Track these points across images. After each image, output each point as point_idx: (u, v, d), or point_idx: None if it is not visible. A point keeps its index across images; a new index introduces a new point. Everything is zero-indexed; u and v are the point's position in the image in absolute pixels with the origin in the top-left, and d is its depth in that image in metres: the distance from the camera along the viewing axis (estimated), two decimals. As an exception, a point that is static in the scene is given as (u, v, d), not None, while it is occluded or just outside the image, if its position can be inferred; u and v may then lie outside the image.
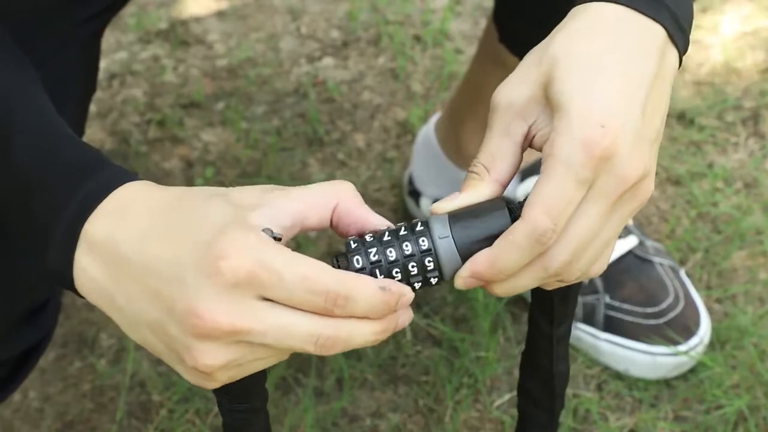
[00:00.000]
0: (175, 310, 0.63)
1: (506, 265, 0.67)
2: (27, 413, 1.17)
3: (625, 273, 1.20)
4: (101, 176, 0.67)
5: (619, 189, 0.67)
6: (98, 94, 1.43)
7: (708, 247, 1.29)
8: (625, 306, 1.19)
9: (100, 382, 1.19)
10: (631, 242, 1.21)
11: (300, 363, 1.19)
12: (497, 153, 0.69)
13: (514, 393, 1.18)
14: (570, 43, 0.68)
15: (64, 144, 0.69)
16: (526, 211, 0.66)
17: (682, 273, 1.22)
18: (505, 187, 0.69)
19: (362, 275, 0.65)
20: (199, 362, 0.63)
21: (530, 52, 0.70)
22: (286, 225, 0.65)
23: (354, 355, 1.20)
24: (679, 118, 1.42)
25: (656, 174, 1.37)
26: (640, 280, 1.20)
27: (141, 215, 0.65)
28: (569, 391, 1.17)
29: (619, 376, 1.19)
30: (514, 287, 0.68)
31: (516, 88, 0.69)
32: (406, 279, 0.67)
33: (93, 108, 1.42)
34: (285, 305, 0.63)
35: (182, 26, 1.53)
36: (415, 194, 1.29)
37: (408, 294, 0.66)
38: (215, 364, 0.63)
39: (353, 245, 0.67)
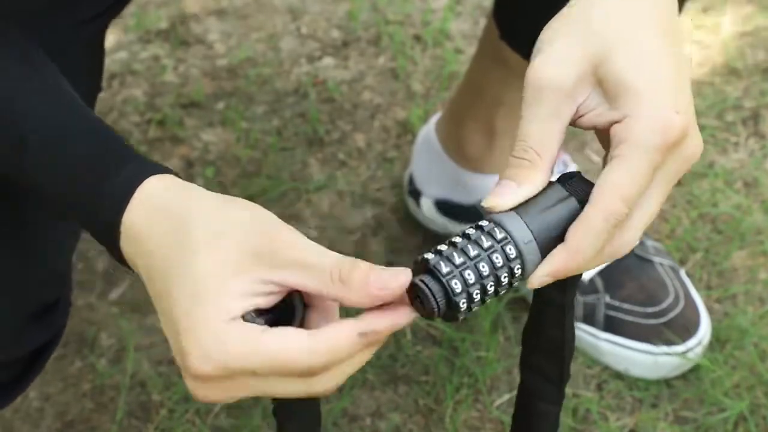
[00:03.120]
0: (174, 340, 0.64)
1: (584, 258, 0.66)
2: (27, 413, 1.17)
3: (625, 273, 1.20)
4: (110, 198, 0.67)
5: (683, 170, 0.67)
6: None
7: (708, 247, 1.29)
8: (626, 306, 1.19)
9: (100, 382, 1.19)
10: (631, 242, 1.21)
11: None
12: (547, 136, 0.67)
13: (515, 393, 1.17)
14: (616, 22, 0.67)
15: (72, 152, 0.70)
16: (601, 197, 0.65)
17: (683, 273, 1.22)
18: (552, 170, 0.68)
19: (336, 330, 0.62)
20: (188, 364, 0.63)
21: (557, 28, 0.68)
22: (262, 290, 0.64)
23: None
24: (680, 118, 1.41)
25: (656, 174, 1.37)
26: (640, 280, 1.20)
27: (148, 253, 0.66)
28: (569, 390, 1.17)
29: (619, 375, 1.19)
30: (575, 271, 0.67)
31: (562, 68, 0.67)
32: (495, 288, 0.65)
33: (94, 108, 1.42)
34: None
35: (182, 26, 1.53)
36: (416, 194, 1.29)
37: (401, 320, 0.64)
38: (207, 398, 0.65)
39: (441, 266, 0.63)
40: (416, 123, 1.39)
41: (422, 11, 1.54)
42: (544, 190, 0.67)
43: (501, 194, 0.66)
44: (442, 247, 0.64)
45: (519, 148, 0.67)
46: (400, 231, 1.30)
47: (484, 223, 0.66)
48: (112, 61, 1.48)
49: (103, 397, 1.18)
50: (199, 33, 1.52)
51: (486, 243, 0.64)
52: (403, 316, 0.64)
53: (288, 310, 0.65)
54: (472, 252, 0.64)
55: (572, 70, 0.67)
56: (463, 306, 0.64)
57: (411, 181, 1.30)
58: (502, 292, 0.66)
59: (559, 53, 0.67)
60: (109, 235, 0.67)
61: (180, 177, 0.68)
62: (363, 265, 0.62)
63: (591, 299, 1.19)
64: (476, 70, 1.22)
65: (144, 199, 0.66)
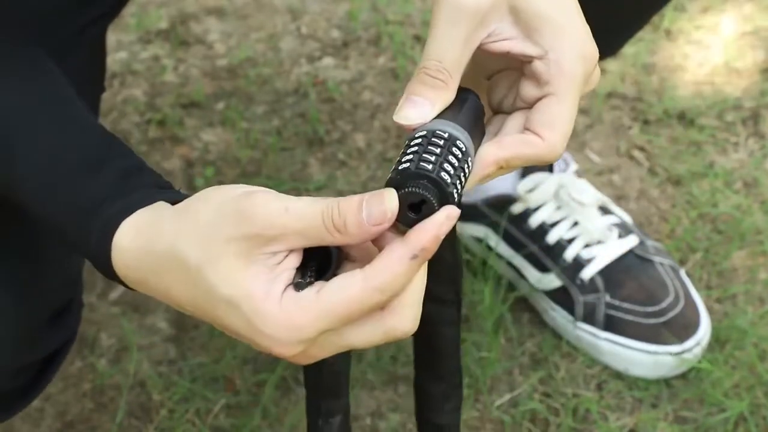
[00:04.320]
0: (252, 342, 0.65)
1: (514, 168, 0.69)
2: (27, 413, 1.17)
3: (625, 272, 1.20)
4: (97, 233, 0.68)
5: (590, 85, 0.70)
6: (98, 93, 1.43)
7: (708, 247, 1.29)
8: (626, 305, 1.19)
9: (100, 382, 1.19)
10: (631, 242, 1.21)
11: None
12: (460, 59, 0.68)
13: (515, 393, 1.18)
14: None
15: (64, 184, 0.70)
16: (547, 133, 0.67)
17: (682, 273, 1.22)
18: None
19: (387, 260, 0.63)
20: (276, 353, 0.65)
21: None
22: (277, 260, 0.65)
23: (354, 355, 1.20)
24: (679, 118, 1.41)
25: (656, 174, 1.37)
26: (640, 280, 1.20)
27: (162, 292, 0.67)
28: (569, 390, 1.17)
29: (619, 375, 1.19)
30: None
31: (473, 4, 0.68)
32: (463, 180, 0.67)
33: (93, 108, 1.42)
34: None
35: (182, 26, 1.53)
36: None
37: (443, 230, 0.64)
38: (313, 359, 0.66)
39: (424, 167, 0.65)
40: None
41: (422, 11, 1.54)
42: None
43: (416, 111, 0.68)
44: (407, 158, 0.66)
45: (433, 68, 0.68)
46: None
47: (421, 133, 0.67)
48: (112, 61, 1.48)
49: (103, 397, 1.18)
50: (199, 33, 1.52)
51: (439, 144, 0.66)
52: (444, 224, 0.64)
53: (325, 252, 0.66)
54: (436, 152, 0.66)
55: (485, 4, 0.68)
56: (455, 198, 0.66)
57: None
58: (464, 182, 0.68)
59: None
60: (111, 276, 0.69)
61: (150, 193, 0.69)
62: (351, 207, 0.63)
63: (591, 298, 1.19)
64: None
65: (123, 252, 0.68)
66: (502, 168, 0.69)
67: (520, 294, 1.23)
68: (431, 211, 0.64)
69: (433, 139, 0.66)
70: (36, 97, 0.73)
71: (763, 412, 1.16)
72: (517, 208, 1.23)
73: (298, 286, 0.64)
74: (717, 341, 1.20)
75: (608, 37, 1.11)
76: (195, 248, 0.64)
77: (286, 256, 0.64)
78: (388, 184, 0.65)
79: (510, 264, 1.24)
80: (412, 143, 0.67)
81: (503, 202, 1.23)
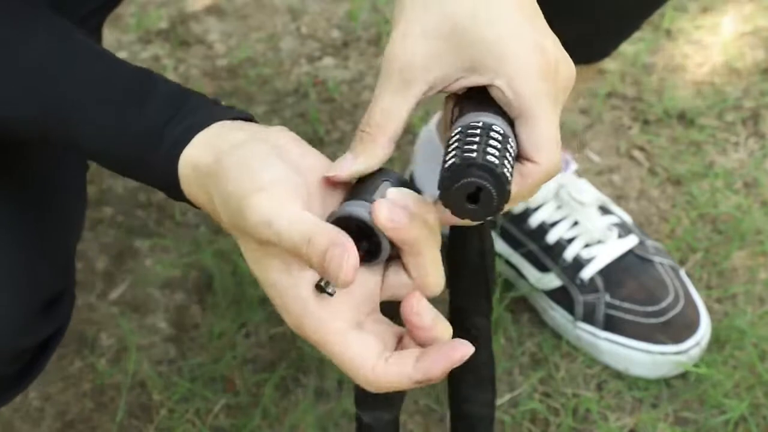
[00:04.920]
0: None
1: (515, 204, 0.69)
2: (27, 413, 1.17)
3: (625, 272, 1.20)
4: (160, 165, 0.71)
5: (569, 85, 0.69)
6: (98, 93, 1.42)
7: (708, 247, 1.29)
8: (626, 305, 1.19)
9: (100, 382, 1.19)
10: (631, 241, 1.21)
11: (300, 363, 1.19)
12: (392, 112, 0.68)
13: (515, 393, 1.17)
14: None
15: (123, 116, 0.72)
16: (538, 156, 0.67)
17: (682, 273, 1.22)
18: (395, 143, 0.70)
19: (396, 375, 0.67)
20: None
21: (410, 3, 0.69)
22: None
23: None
24: (680, 118, 1.41)
25: (656, 174, 1.37)
26: (640, 279, 1.20)
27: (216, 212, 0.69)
28: (569, 390, 1.17)
29: (619, 375, 1.18)
30: None
31: (411, 46, 0.68)
32: (512, 163, 0.67)
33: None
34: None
35: (182, 26, 1.53)
36: (417, 193, 1.29)
37: (448, 365, 0.67)
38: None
39: (475, 157, 0.65)
40: (417, 123, 1.39)
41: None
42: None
43: (339, 167, 0.69)
44: (450, 155, 0.65)
45: (363, 122, 0.69)
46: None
47: (455, 131, 0.67)
48: (112, 61, 1.48)
49: (103, 397, 1.18)
50: (199, 33, 1.52)
51: (476, 133, 0.66)
52: (458, 353, 0.67)
53: (374, 245, 0.67)
54: (476, 140, 0.65)
55: (420, 48, 0.68)
56: (508, 178, 0.65)
57: (412, 181, 1.30)
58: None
59: (410, 30, 0.68)
60: (174, 192, 0.71)
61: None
62: (319, 249, 0.65)
63: (591, 298, 1.19)
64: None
65: (189, 179, 0.71)
66: (516, 201, 0.69)
67: (519, 293, 1.23)
68: (489, 198, 0.64)
69: (468, 131, 0.66)
70: (68, 43, 0.74)
71: (763, 412, 1.16)
72: (517, 207, 1.23)
73: (319, 288, 0.66)
74: (717, 341, 1.20)
75: (603, 39, 1.11)
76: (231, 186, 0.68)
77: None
78: (441, 185, 0.65)
79: (509, 263, 1.24)
80: (450, 142, 0.66)
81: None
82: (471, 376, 0.82)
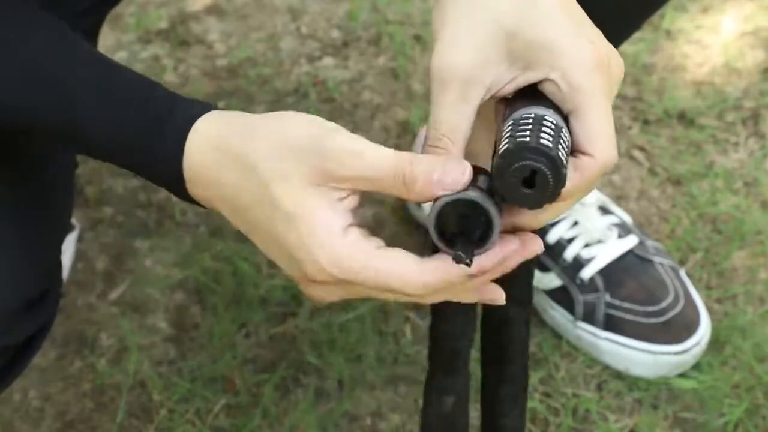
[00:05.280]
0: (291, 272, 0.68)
1: (575, 199, 0.69)
2: (27, 413, 1.17)
3: (625, 272, 1.20)
4: (166, 146, 0.70)
5: (618, 80, 0.69)
6: (98, 93, 1.42)
7: (708, 247, 1.29)
8: (626, 305, 1.18)
9: (100, 382, 1.19)
10: (631, 241, 1.21)
11: (300, 363, 1.19)
12: (457, 122, 0.69)
13: (515, 393, 1.17)
14: None
15: (121, 107, 0.72)
16: (594, 150, 0.67)
17: (682, 273, 1.22)
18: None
19: (447, 266, 0.65)
20: (308, 295, 0.69)
21: (452, 10, 0.69)
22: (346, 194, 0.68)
23: (354, 355, 1.20)
24: (680, 118, 1.41)
25: (656, 174, 1.36)
26: (640, 279, 1.19)
27: (218, 186, 0.69)
28: (569, 390, 1.17)
29: (619, 375, 1.18)
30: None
31: (461, 55, 0.69)
32: (567, 154, 0.67)
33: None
34: None
35: (182, 26, 1.52)
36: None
37: (503, 259, 0.66)
38: (322, 300, 0.69)
39: (545, 143, 0.64)
40: (417, 123, 1.39)
41: (423, 11, 1.54)
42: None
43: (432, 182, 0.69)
44: (504, 144, 0.65)
45: (432, 137, 0.69)
46: (400, 231, 1.30)
47: (508, 124, 0.67)
48: (112, 61, 1.48)
49: (103, 397, 1.18)
50: (199, 33, 1.52)
51: (528, 123, 0.66)
52: (510, 250, 0.66)
53: (484, 226, 0.66)
54: (528, 128, 0.65)
55: (473, 54, 0.68)
56: (563, 162, 0.65)
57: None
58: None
59: (458, 38, 0.69)
60: (176, 185, 0.71)
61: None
62: (427, 173, 0.65)
63: (591, 298, 1.19)
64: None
65: (201, 146, 0.69)
66: (575, 198, 0.69)
67: (520, 294, 1.23)
68: (545, 181, 0.64)
69: (520, 122, 0.66)
70: (68, 42, 0.75)
71: (762, 412, 1.16)
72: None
73: (458, 258, 0.64)
74: (717, 341, 1.20)
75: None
76: (267, 161, 0.67)
77: (348, 195, 0.67)
78: (496, 172, 0.65)
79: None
80: (503, 135, 0.67)
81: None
82: (507, 388, 0.82)
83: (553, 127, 0.65)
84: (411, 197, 0.66)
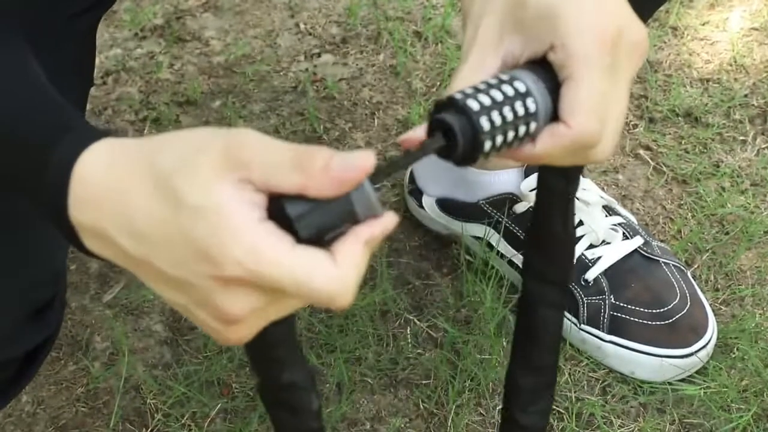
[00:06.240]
0: (198, 302, 0.62)
1: (556, 161, 0.70)
2: (20, 417, 1.16)
3: (630, 273, 1.19)
4: (59, 154, 0.64)
5: (635, 57, 0.69)
6: (92, 91, 1.42)
7: (715, 248, 1.28)
8: (631, 307, 1.17)
9: (94, 386, 1.18)
10: (636, 242, 1.20)
11: (298, 366, 1.18)
12: (468, 80, 0.69)
13: (517, 397, 1.16)
14: None
15: (24, 114, 0.67)
16: (571, 119, 0.67)
17: (689, 274, 1.21)
18: None
19: (351, 250, 0.61)
20: (231, 337, 0.63)
21: None
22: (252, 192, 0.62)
23: (353, 358, 1.19)
24: (686, 116, 1.41)
25: (662, 173, 1.36)
26: (646, 281, 1.18)
27: (115, 199, 0.63)
28: (573, 394, 1.16)
29: (624, 379, 1.17)
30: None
31: (486, 25, 0.70)
32: (515, 122, 0.67)
33: (87, 105, 1.41)
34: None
35: (178, 22, 1.53)
36: (417, 193, 1.28)
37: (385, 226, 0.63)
38: (247, 333, 0.63)
39: (458, 96, 0.66)
40: (417, 121, 1.39)
41: (423, 7, 1.54)
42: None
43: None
44: (468, 90, 0.67)
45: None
46: (400, 231, 1.30)
47: (504, 76, 0.68)
48: (106, 59, 1.48)
49: (97, 401, 1.17)
50: (195, 29, 1.52)
51: (509, 92, 0.67)
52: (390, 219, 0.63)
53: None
54: (484, 86, 0.67)
55: (491, 26, 0.69)
56: (487, 147, 0.66)
57: (412, 180, 1.29)
58: (521, 127, 0.68)
59: (482, 8, 0.70)
60: (59, 205, 0.65)
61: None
62: (323, 152, 0.61)
63: (595, 300, 1.18)
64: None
65: (94, 160, 0.64)
66: (544, 160, 0.69)
67: (521, 294, 1.22)
68: (455, 139, 0.65)
69: (489, 81, 0.67)
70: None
71: (772, 417, 1.15)
72: (520, 207, 1.22)
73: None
74: (724, 344, 1.19)
75: None
76: (168, 156, 0.62)
77: (255, 191, 0.61)
78: (433, 107, 0.67)
79: (512, 264, 1.22)
80: (490, 78, 0.68)
81: (506, 202, 1.22)
82: (531, 379, 0.80)
83: (511, 93, 0.67)
84: (312, 184, 0.60)
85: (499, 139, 0.66)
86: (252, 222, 0.60)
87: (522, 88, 0.67)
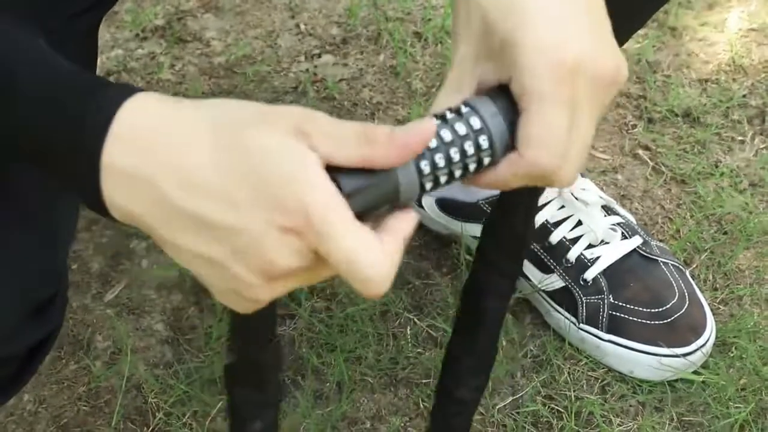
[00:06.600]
0: (245, 254, 0.61)
1: (518, 185, 0.70)
2: (21, 416, 1.16)
3: (629, 273, 1.19)
4: (101, 99, 0.63)
5: (600, 89, 0.67)
6: (94, 91, 1.42)
7: (713, 248, 1.28)
8: (630, 306, 1.18)
9: (95, 385, 1.18)
10: (635, 242, 1.20)
11: (299, 366, 1.18)
12: (444, 104, 0.70)
13: (517, 396, 1.17)
14: None
15: (58, 76, 0.66)
16: (525, 151, 0.67)
17: (688, 273, 1.21)
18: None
19: (395, 240, 0.63)
20: (261, 297, 0.63)
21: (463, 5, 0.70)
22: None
23: (353, 357, 1.19)
24: (685, 116, 1.41)
25: (661, 173, 1.36)
26: (644, 281, 1.19)
27: (172, 143, 0.62)
28: (572, 393, 1.16)
29: (623, 378, 1.18)
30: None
31: (463, 45, 0.70)
32: (462, 161, 0.67)
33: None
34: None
35: (179, 23, 1.53)
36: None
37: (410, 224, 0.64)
38: (275, 295, 0.63)
39: None
40: (415, 119, 1.38)
41: (423, 8, 1.54)
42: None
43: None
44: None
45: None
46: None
47: (464, 108, 0.68)
48: (108, 59, 1.48)
49: (98, 399, 1.17)
50: (195, 30, 1.52)
51: (449, 116, 0.67)
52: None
53: None
54: (447, 137, 0.67)
55: (470, 47, 0.69)
56: (428, 187, 0.67)
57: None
58: (471, 165, 0.68)
59: (460, 35, 0.70)
60: (95, 150, 0.63)
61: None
62: (384, 126, 0.64)
63: (594, 299, 1.18)
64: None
65: (139, 106, 0.63)
66: (500, 187, 0.70)
67: (522, 295, 1.22)
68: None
69: (455, 110, 0.68)
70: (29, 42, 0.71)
71: (769, 415, 1.15)
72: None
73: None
74: (723, 344, 1.19)
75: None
76: (238, 113, 0.62)
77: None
78: None
79: (512, 264, 1.23)
80: (444, 111, 0.68)
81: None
82: (471, 360, 0.81)
83: (463, 132, 0.67)
84: (379, 151, 0.63)
85: (443, 178, 0.67)
86: (327, 182, 0.61)
87: (477, 124, 0.67)
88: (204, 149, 0.61)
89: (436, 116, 0.67)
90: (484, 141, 0.67)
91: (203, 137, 0.62)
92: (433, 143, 0.66)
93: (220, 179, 0.61)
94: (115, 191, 0.63)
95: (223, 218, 0.61)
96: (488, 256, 0.79)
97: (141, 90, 0.64)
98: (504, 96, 0.68)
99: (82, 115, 0.63)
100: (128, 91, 0.64)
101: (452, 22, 0.71)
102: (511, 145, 0.68)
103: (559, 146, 0.67)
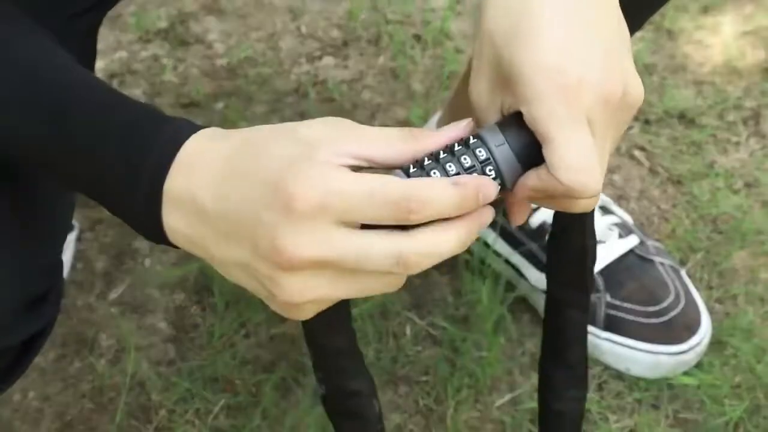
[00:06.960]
0: (259, 247, 0.64)
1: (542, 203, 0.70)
2: (26, 413, 1.17)
3: (625, 272, 1.19)
4: (169, 131, 0.68)
5: (610, 110, 0.67)
6: (98, 93, 1.42)
7: (709, 247, 1.28)
8: (626, 305, 1.18)
9: (99, 383, 1.18)
10: (631, 242, 1.21)
11: (300, 363, 1.19)
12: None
13: (515, 393, 1.17)
14: (495, 14, 0.68)
15: (120, 106, 0.70)
16: (566, 177, 0.66)
17: (683, 273, 1.22)
18: None
19: (430, 178, 0.65)
20: (287, 294, 0.65)
21: (476, 35, 0.71)
22: (350, 163, 0.65)
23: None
24: (680, 117, 1.41)
25: (657, 174, 1.36)
26: (641, 280, 1.19)
27: (211, 163, 0.66)
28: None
29: (619, 376, 1.18)
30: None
31: (476, 84, 0.70)
32: None
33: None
34: (362, 228, 0.64)
35: (182, 25, 1.52)
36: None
37: (487, 183, 0.65)
38: (303, 295, 0.65)
39: (412, 168, 0.66)
40: (417, 122, 1.39)
41: (422, 11, 1.54)
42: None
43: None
44: (427, 161, 0.66)
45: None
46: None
47: (472, 139, 0.67)
48: (111, 61, 1.48)
49: (102, 397, 1.18)
50: (198, 32, 1.52)
51: (457, 148, 0.66)
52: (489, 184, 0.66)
53: None
54: (442, 155, 0.66)
55: (485, 82, 0.69)
56: None
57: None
58: None
59: (474, 67, 0.70)
60: (162, 170, 0.67)
61: None
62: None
63: (591, 298, 1.19)
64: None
65: (200, 136, 0.68)
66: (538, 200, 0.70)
67: (520, 294, 1.23)
68: None
69: (462, 142, 0.67)
70: (57, 50, 0.74)
71: (763, 412, 1.15)
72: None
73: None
74: (718, 342, 1.20)
75: None
76: (283, 134, 0.66)
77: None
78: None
79: (509, 263, 1.23)
80: (456, 145, 0.67)
81: (503, 201, 1.23)
82: (564, 372, 0.82)
83: (468, 164, 0.66)
84: (424, 144, 0.65)
85: None
86: (342, 169, 0.64)
87: (483, 155, 0.66)
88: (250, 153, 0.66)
89: (444, 149, 0.66)
90: (490, 171, 0.67)
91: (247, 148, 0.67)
92: (438, 174, 0.66)
93: (242, 181, 0.65)
94: (168, 216, 0.67)
95: (242, 208, 0.65)
96: (555, 274, 0.80)
97: (202, 127, 0.69)
98: (513, 122, 0.67)
99: (148, 151, 0.67)
100: (190, 126, 0.68)
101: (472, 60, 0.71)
102: (522, 172, 0.67)
103: (595, 165, 0.66)
